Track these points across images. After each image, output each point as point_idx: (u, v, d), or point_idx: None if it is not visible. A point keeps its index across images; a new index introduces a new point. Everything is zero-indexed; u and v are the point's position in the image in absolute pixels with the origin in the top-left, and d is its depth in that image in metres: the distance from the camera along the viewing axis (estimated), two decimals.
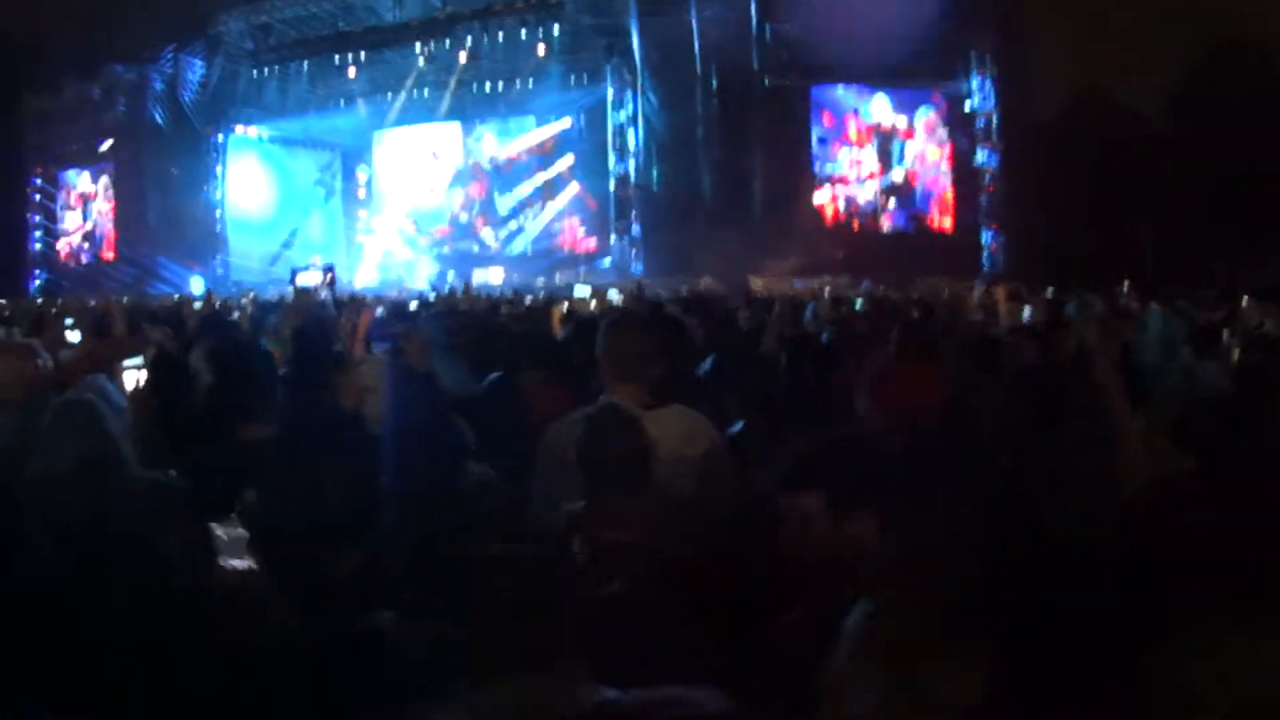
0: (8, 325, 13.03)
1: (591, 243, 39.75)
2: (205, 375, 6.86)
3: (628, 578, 3.50)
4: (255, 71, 43.43)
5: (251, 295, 24.89)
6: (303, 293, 7.52)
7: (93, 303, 22.62)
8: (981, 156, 35.01)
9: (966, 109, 35.43)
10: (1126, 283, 18.14)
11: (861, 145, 36.59)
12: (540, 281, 32.53)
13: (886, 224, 36.38)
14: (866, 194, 36.46)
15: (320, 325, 8.07)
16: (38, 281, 48.62)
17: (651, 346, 5.08)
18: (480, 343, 9.08)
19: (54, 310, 19.50)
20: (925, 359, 5.66)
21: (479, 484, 4.95)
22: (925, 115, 36.52)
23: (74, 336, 8.85)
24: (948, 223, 36.10)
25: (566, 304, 14.94)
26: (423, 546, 3.75)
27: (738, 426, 5.44)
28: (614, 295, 18.48)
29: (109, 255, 47.82)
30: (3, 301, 25.86)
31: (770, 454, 4.73)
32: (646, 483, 4.01)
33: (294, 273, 26.60)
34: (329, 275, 18.57)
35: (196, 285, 39.30)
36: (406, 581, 3.62)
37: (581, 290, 21.56)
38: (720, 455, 4.87)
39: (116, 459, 4.49)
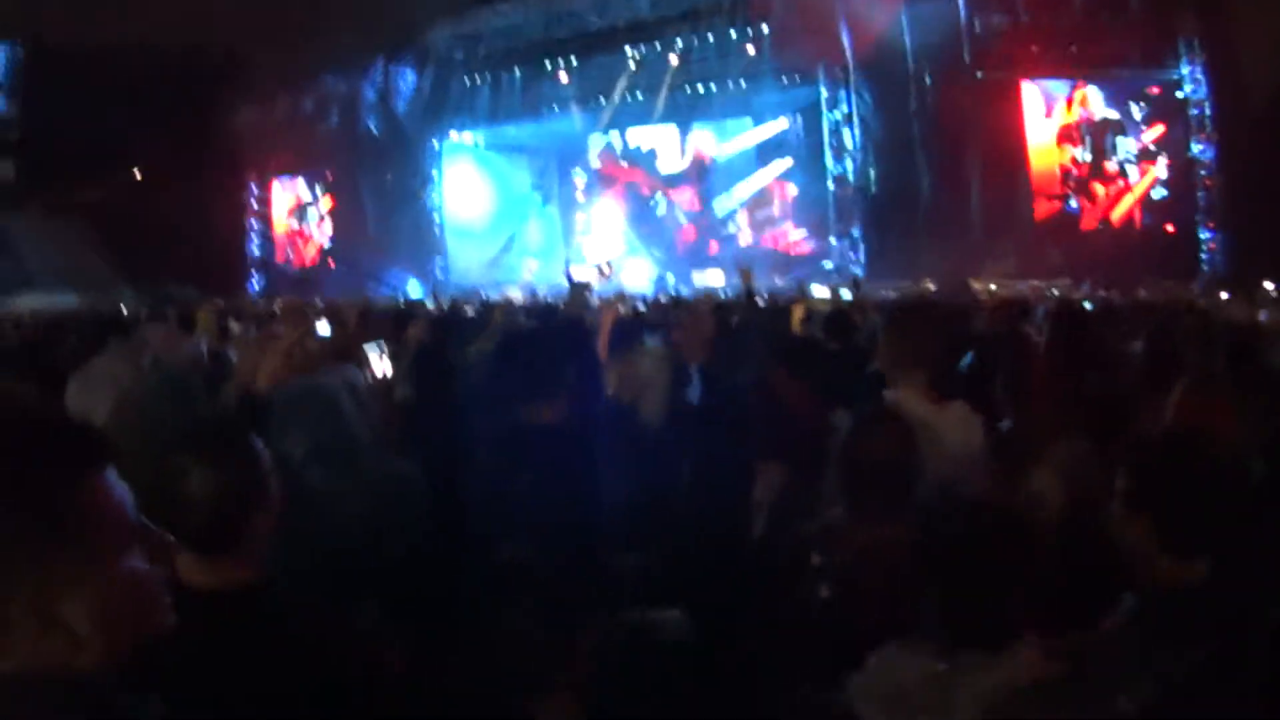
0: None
1: (810, 245, 40.47)
2: (473, 366, 7.30)
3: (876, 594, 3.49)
4: (467, 80, 45.51)
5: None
6: (580, 287, 8.25)
7: (319, 303, 24.64)
8: (1197, 149, 33.83)
9: (1179, 98, 34.32)
10: None
11: (1074, 140, 36.10)
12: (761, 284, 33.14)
13: (1103, 223, 35.60)
14: (1081, 192, 35.98)
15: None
16: (256, 286, 52.29)
17: (936, 340, 5.14)
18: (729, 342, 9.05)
19: (278, 311, 21.35)
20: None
21: (768, 481, 4.89)
22: (1137, 106, 35.54)
23: (323, 328, 8.94)
24: (1166, 221, 34.88)
25: (804, 305, 14.66)
26: (715, 545, 4.28)
27: (1005, 424, 5.23)
28: (845, 295, 19.52)
29: (326, 261, 51.23)
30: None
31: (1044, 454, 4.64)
32: (909, 491, 3.88)
33: (569, 265, 27.49)
34: (607, 269, 19.61)
35: (415, 289, 42.17)
36: (697, 580, 3.90)
37: (820, 290, 22.68)
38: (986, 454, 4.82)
39: (352, 446, 4.46)
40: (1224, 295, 18.51)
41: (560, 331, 6.59)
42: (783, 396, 5.84)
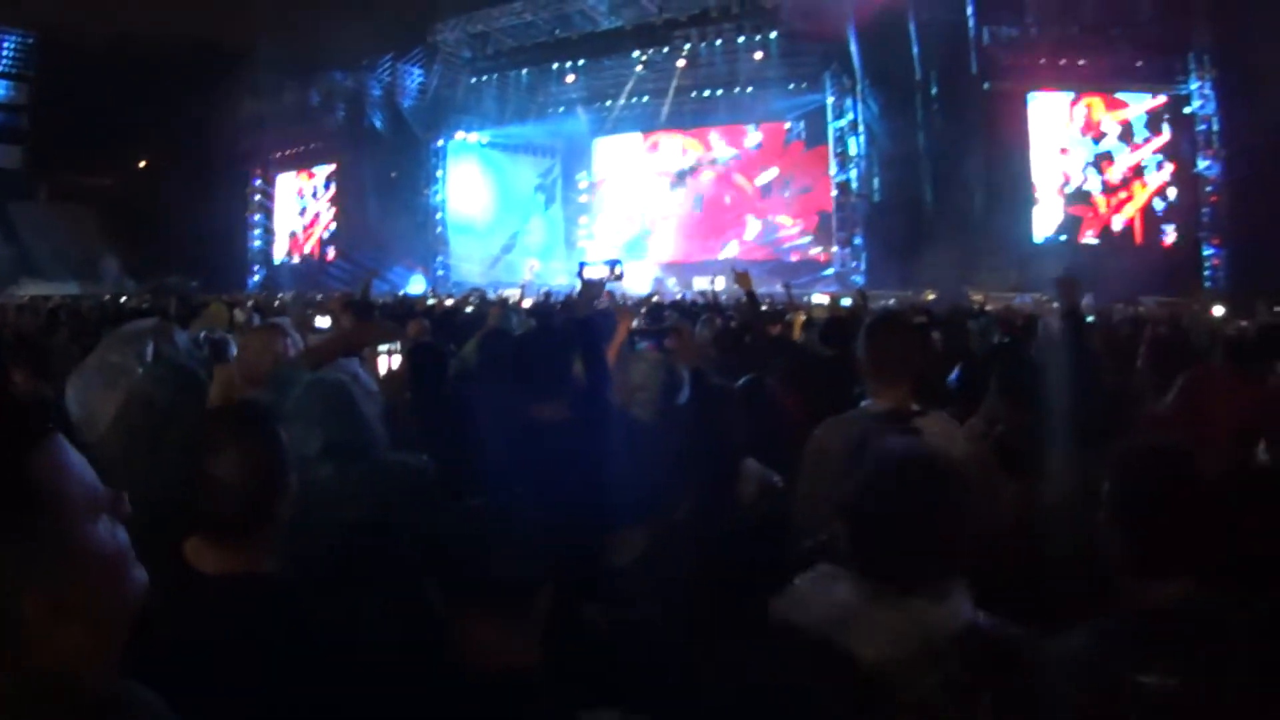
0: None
1: (811, 251, 40.81)
2: (467, 361, 7.33)
3: None
4: (474, 79, 45.72)
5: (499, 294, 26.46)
6: (590, 285, 8.12)
7: (319, 297, 24.73)
8: (1203, 165, 33.97)
9: (1186, 113, 34.54)
10: None
11: (1080, 153, 36.32)
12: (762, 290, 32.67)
13: (1107, 237, 35.67)
14: (1084, 205, 36.19)
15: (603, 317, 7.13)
16: (256, 278, 52.40)
17: (915, 349, 5.09)
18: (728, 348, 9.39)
19: (276, 303, 21.58)
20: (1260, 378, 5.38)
21: (758, 481, 4.87)
22: (1144, 121, 35.80)
23: (322, 322, 9.21)
24: (1169, 236, 35.15)
25: (801, 312, 14.72)
26: (705, 541, 4.18)
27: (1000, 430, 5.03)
28: (847, 303, 19.06)
29: (328, 255, 51.26)
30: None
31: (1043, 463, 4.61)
32: None
33: (581, 266, 27.50)
34: (616, 270, 19.53)
35: (417, 285, 42.11)
36: (686, 575, 3.85)
37: (820, 298, 22.65)
38: (969, 464, 4.53)
39: (367, 441, 4.47)
40: (1219, 309, 18.51)
41: (572, 328, 6.04)
42: (778, 402, 5.98)
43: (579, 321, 6.01)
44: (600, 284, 7.12)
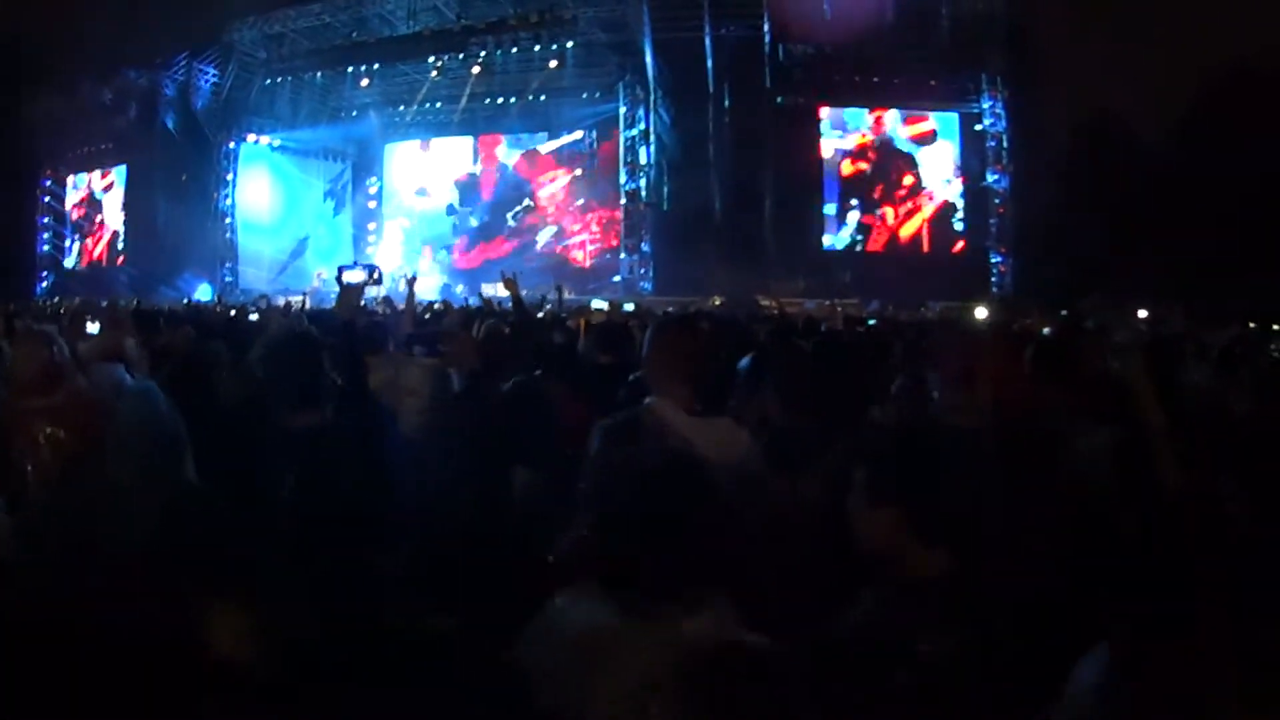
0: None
1: (600, 259, 40.07)
2: (239, 368, 7.00)
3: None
4: (268, 81, 43.45)
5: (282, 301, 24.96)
6: (349, 289, 7.29)
7: (104, 303, 22.83)
8: (991, 178, 35.49)
9: (977, 130, 35.86)
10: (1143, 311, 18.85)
11: (871, 166, 36.99)
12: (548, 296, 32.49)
13: (895, 245, 36.67)
14: (875, 215, 36.89)
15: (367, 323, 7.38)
16: (44, 283, 48.80)
17: (699, 349, 4.95)
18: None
19: (63, 310, 19.79)
20: (1016, 356, 5.51)
21: (525, 487, 4.98)
22: (936, 137, 36.89)
23: (92, 328, 8.90)
24: (957, 245, 36.50)
25: (584, 318, 14.67)
26: (474, 546, 4.21)
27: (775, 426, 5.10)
28: (629, 308, 19.01)
29: (116, 260, 48.07)
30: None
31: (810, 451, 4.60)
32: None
33: (340, 270, 26.51)
34: (375, 274, 18.83)
35: (204, 292, 39.85)
36: (457, 579, 3.83)
37: (599, 304, 21.68)
38: (754, 460, 4.61)
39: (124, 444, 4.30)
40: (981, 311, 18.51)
41: (323, 334, 6.27)
42: (548, 403, 6.17)
43: (339, 326, 6.20)
44: (359, 288, 7.16)
